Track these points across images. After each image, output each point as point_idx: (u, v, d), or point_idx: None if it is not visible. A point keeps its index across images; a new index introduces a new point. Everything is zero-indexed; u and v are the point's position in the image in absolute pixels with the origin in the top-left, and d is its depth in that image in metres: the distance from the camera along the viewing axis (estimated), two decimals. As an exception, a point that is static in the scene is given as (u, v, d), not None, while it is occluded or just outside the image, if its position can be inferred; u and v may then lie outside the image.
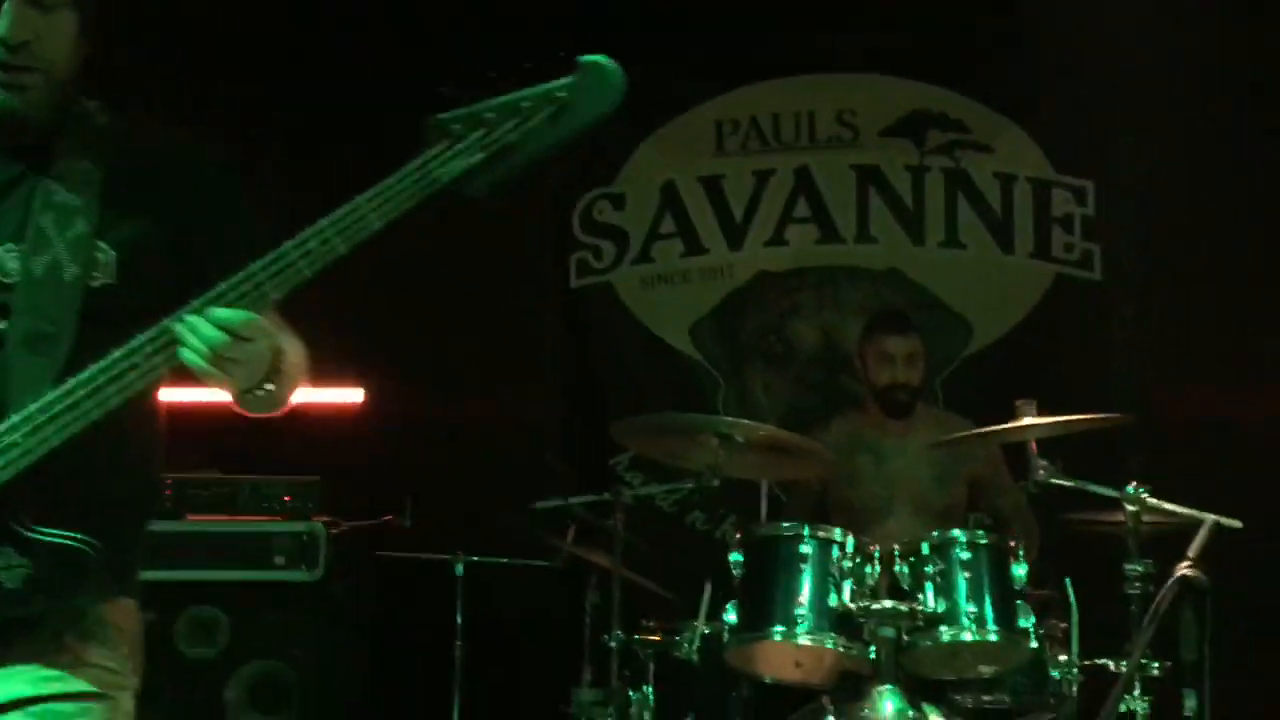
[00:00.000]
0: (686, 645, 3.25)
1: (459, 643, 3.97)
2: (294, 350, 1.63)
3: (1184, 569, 2.71)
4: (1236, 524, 2.97)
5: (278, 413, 1.65)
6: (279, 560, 3.85)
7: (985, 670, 3.09)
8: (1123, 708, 2.92)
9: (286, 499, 3.97)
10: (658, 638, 3.35)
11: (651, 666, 3.29)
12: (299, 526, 3.91)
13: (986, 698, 3.14)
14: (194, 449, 3.95)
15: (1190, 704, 2.80)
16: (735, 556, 3.13)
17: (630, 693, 3.32)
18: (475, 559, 4.02)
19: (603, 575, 3.64)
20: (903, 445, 3.83)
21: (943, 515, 3.69)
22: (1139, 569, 3.01)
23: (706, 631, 3.22)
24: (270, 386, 1.55)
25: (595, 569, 3.73)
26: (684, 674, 3.27)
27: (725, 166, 4.94)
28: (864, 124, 4.84)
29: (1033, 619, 3.02)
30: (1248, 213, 4.45)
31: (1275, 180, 4.42)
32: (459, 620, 3.98)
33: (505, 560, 4.03)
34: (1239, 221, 4.47)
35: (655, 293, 4.96)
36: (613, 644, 3.35)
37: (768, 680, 3.19)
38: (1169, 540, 2.97)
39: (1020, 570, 3.05)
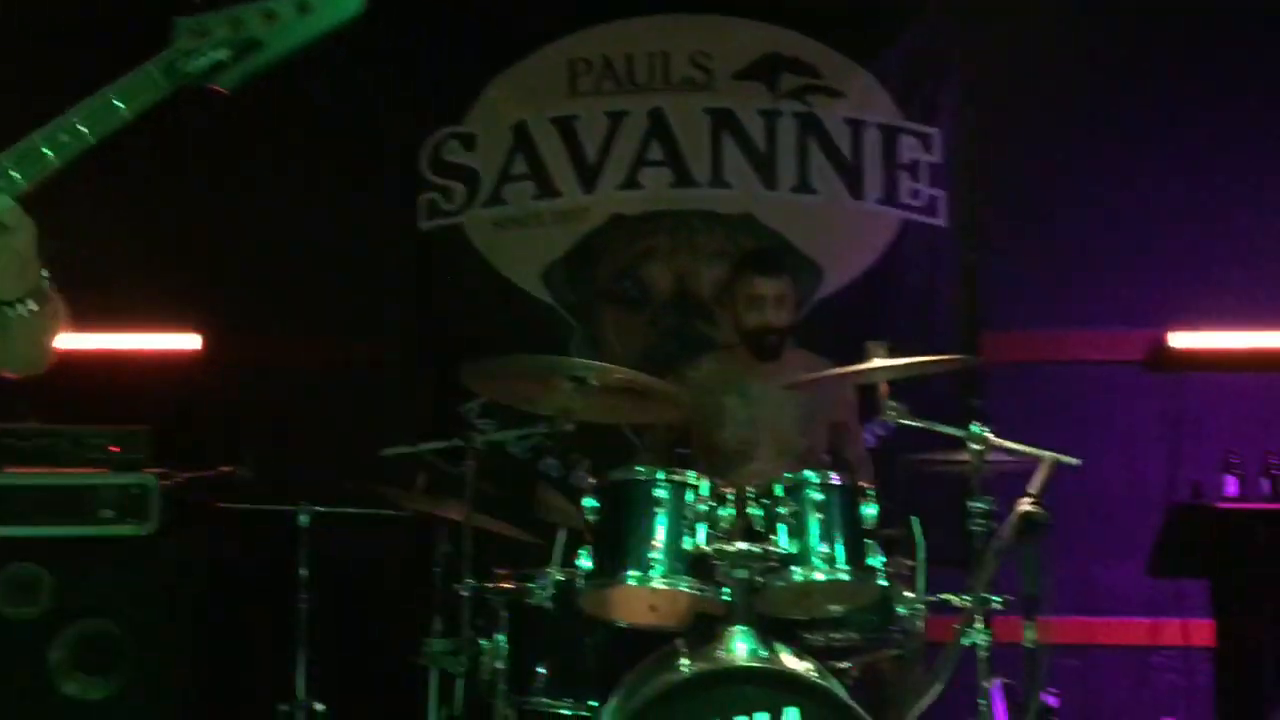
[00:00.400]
0: (540, 592, 3.20)
1: (304, 596, 3.85)
2: (56, 294, 1.54)
3: (1025, 505, 2.80)
4: (1075, 461, 3.07)
5: (38, 369, 1.56)
6: (106, 514, 3.65)
7: (835, 609, 3.13)
8: (966, 641, 2.99)
9: (113, 449, 3.76)
10: (510, 585, 3.30)
11: (504, 614, 3.24)
12: (127, 479, 3.72)
13: (835, 635, 3.19)
14: (14, 399, 3.71)
15: (1030, 635, 2.90)
16: (589, 502, 3.09)
17: (482, 641, 3.26)
18: (320, 509, 3.89)
19: (454, 524, 3.57)
20: (771, 385, 3.83)
21: (804, 458, 3.72)
22: (982, 506, 3.08)
23: (560, 578, 3.18)
24: (34, 307, 1.46)
25: (446, 518, 3.65)
26: (537, 621, 3.23)
27: (578, 107, 4.85)
28: (718, 66, 4.81)
29: (882, 558, 3.06)
30: (1087, 161, 4.59)
31: (1113, 131, 4.57)
32: (303, 573, 3.86)
33: (352, 510, 3.91)
34: (1079, 169, 4.61)
35: (507, 235, 4.86)
36: (464, 593, 3.29)
37: (622, 625, 3.17)
38: (1010, 479, 3.06)
39: (870, 510, 3.09)
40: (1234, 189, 4.47)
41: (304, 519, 3.87)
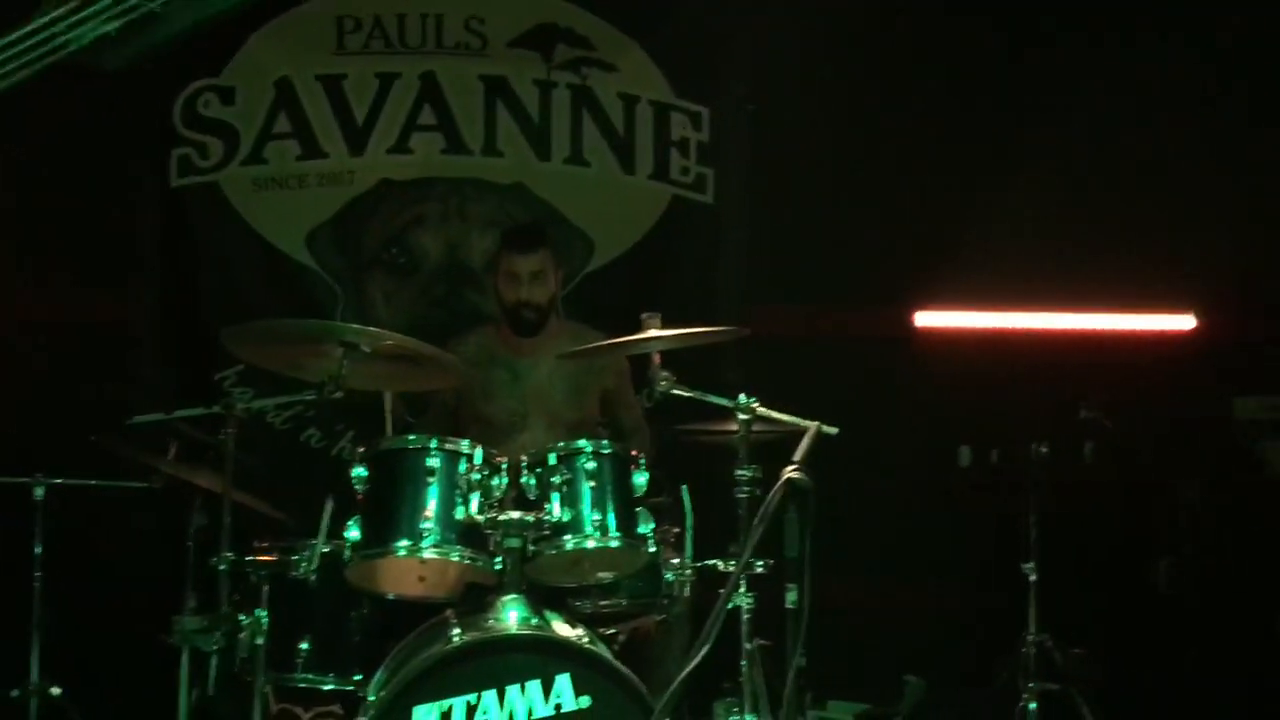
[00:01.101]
0: (304, 565, 3.09)
1: (38, 574, 3.58)
2: None
3: (789, 472, 2.89)
4: (834, 430, 3.20)
5: None
6: None
7: (606, 576, 3.17)
8: (730, 604, 3.08)
9: None
10: (272, 558, 3.17)
11: (265, 589, 3.11)
12: None
13: (604, 602, 3.23)
14: None
15: (791, 597, 3.00)
16: (359, 471, 3.00)
17: (241, 617, 3.12)
18: (59, 481, 3.62)
19: (209, 496, 3.39)
20: (537, 359, 3.83)
21: (576, 428, 3.73)
22: (748, 474, 3.18)
23: (326, 550, 3.08)
24: None
25: (200, 489, 3.46)
26: (300, 595, 3.12)
27: (347, 66, 4.69)
28: (492, 33, 4.74)
29: (651, 525, 3.11)
30: (850, 145, 4.78)
31: (874, 117, 4.78)
32: (38, 549, 3.58)
33: (94, 481, 3.66)
34: (842, 153, 4.79)
35: (268, 196, 4.65)
36: (221, 567, 3.13)
37: (390, 597, 3.11)
38: (774, 447, 3.17)
39: (641, 479, 3.14)
40: (981, 178, 4.76)
41: (39, 491, 3.60)
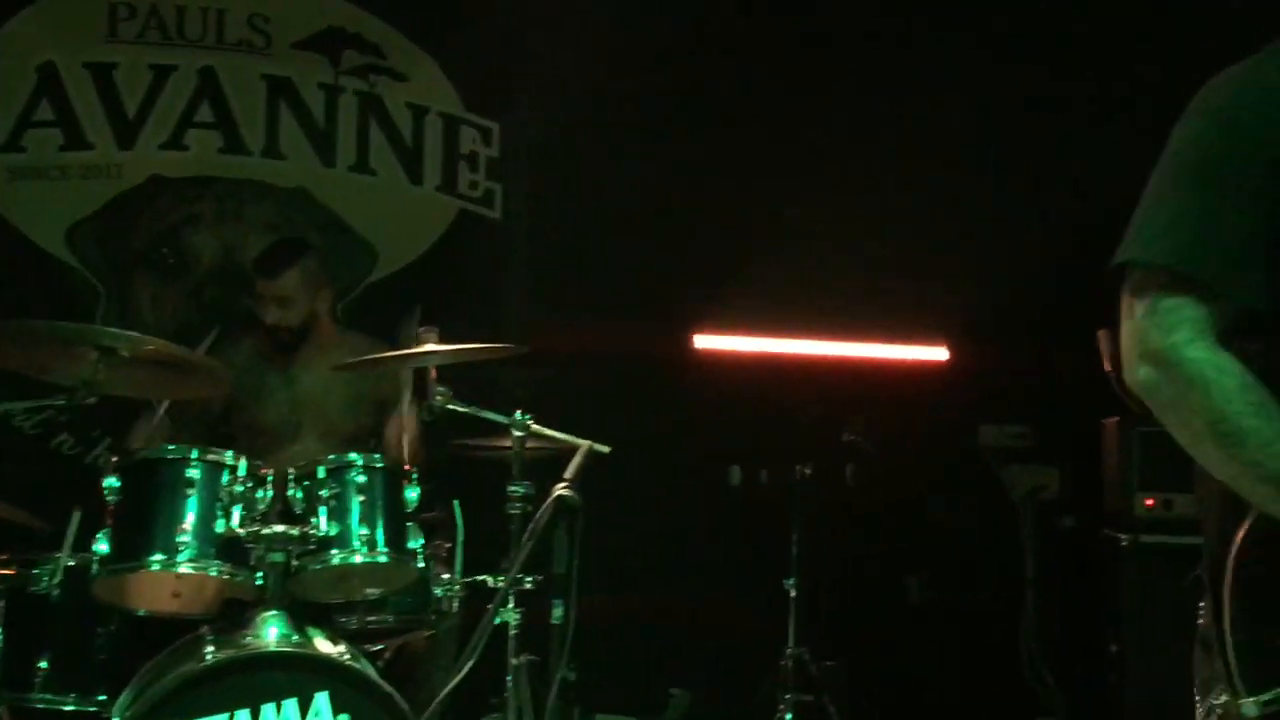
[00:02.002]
0: (46, 580, 2.93)
1: None
2: None
3: (560, 489, 2.94)
4: (606, 449, 3.26)
5: None
6: None
7: (373, 591, 3.12)
8: (498, 619, 3.09)
9: None
10: (10, 571, 2.98)
11: (2, 605, 2.92)
12: None
13: (370, 618, 3.18)
14: None
15: (557, 613, 3.04)
16: (111, 481, 2.87)
17: (-27, 634, 2.92)
18: None
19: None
20: (313, 368, 3.75)
21: (352, 439, 3.67)
22: (520, 490, 3.20)
23: (71, 564, 2.92)
24: None
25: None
26: (41, 611, 2.95)
27: (118, 55, 4.48)
28: (277, 32, 4.63)
29: (421, 540, 3.09)
30: (634, 167, 4.88)
31: (662, 139, 4.89)
32: None
33: None
34: (626, 173, 4.88)
35: (25, 187, 4.39)
36: (-48, 582, 2.92)
37: (141, 613, 2.97)
38: (550, 464, 3.20)
39: (412, 493, 3.11)
40: (759, 209, 4.93)
41: None
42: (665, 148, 4.87)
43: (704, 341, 4.86)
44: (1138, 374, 1.56)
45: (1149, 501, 4.09)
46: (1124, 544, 4.07)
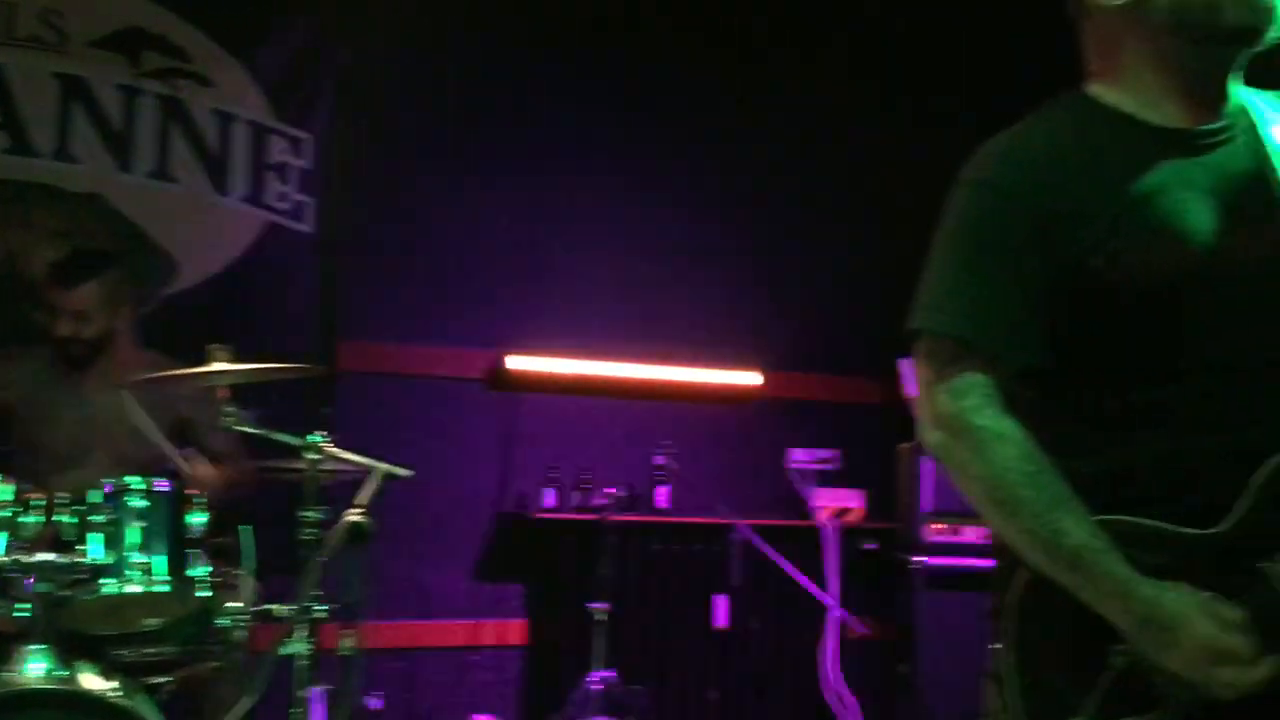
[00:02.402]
0: None
1: None
2: None
3: (352, 515, 2.86)
4: (406, 473, 3.19)
5: None
6: None
7: (152, 622, 2.97)
8: (287, 650, 2.99)
9: None
10: None
11: None
12: None
13: (149, 650, 3.03)
14: None
15: (348, 643, 2.96)
16: None
17: None
18: None
19: None
20: (109, 388, 3.54)
21: (146, 462, 3.49)
22: (314, 516, 3.10)
23: None
24: None
25: None
26: None
27: (-110, 44, 4.17)
28: (73, 29, 4.38)
29: (206, 567, 2.96)
30: (449, 185, 4.81)
31: (472, 159, 4.84)
32: None
33: None
34: (440, 191, 4.81)
35: None
36: None
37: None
38: (352, 488, 3.12)
39: (199, 518, 2.98)
40: (565, 231, 4.94)
41: None
42: (480, 165, 4.83)
43: (516, 363, 4.82)
44: (930, 439, 1.64)
45: (938, 526, 4.25)
46: (914, 567, 4.22)
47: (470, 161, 4.80)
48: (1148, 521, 1.53)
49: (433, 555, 4.61)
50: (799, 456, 5.12)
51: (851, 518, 4.98)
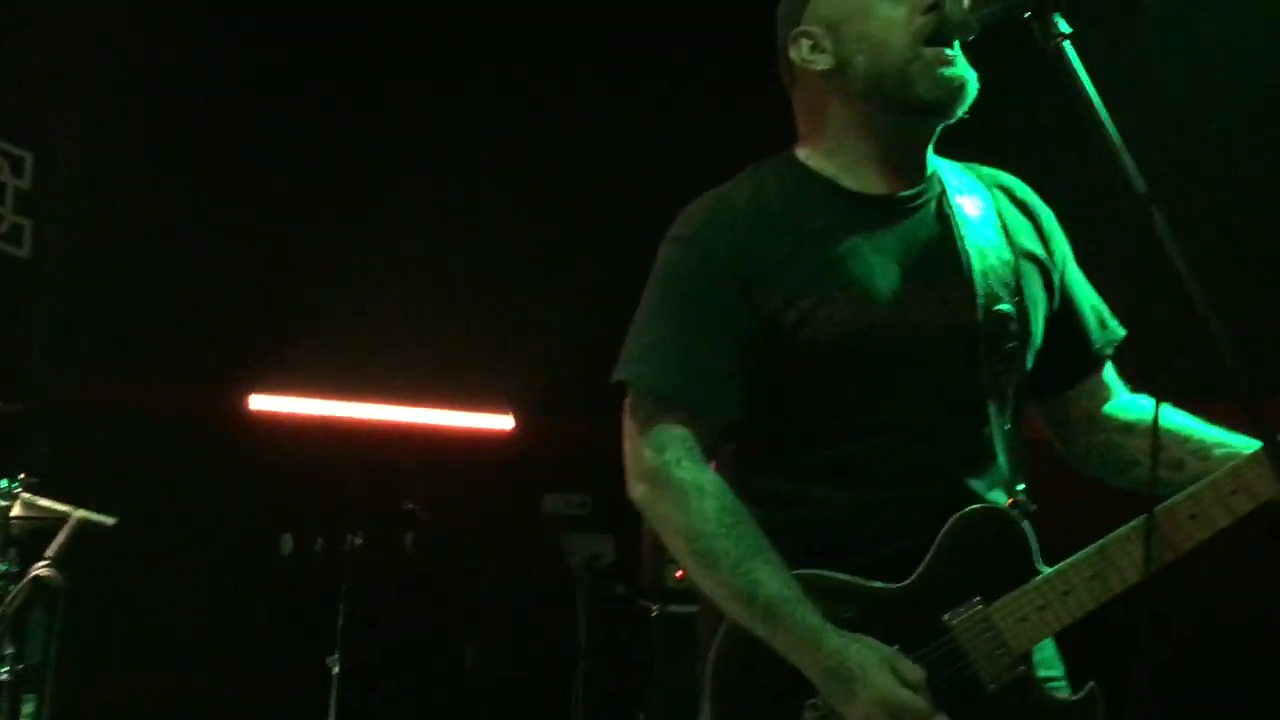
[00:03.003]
0: None
1: None
2: None
3: (39, 569, 2.64)
4: (109, 520, 2.97)
5: None
6: None
7: None
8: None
9: None
10: None
11: None
12: None
13: None
14: None
15: (28, 709, 2.72)
16: None
17: None
18: None
19: None
20: None
21: None
22: (3, 568, 2.85)
23: None
24: None
25: None
26: None
27: None
28: None
29: None
30: (185, 217, 4.57)
31: (215, 190, 4.63)
32: None
33: None
34: (176, 221, 4.57)
35: None
36: None
37: None
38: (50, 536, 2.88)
39: None
40: (324, 267, 4.77)
41: None
42: (220, 196, 4.62)
43: (260, 403, 4.61)
44: (635, 491, 1.64)
45: (679, 573, 4.27)
46: (654, 614, 4.22)
47: (213, 189, 4.59)
48: (838, 575, 1.56)
49: (164, 605, 4.32)
50: (553, 500, 5.07)
51: (603, 563, 4.96)
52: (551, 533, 5.04)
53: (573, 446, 5.20)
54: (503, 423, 5.07)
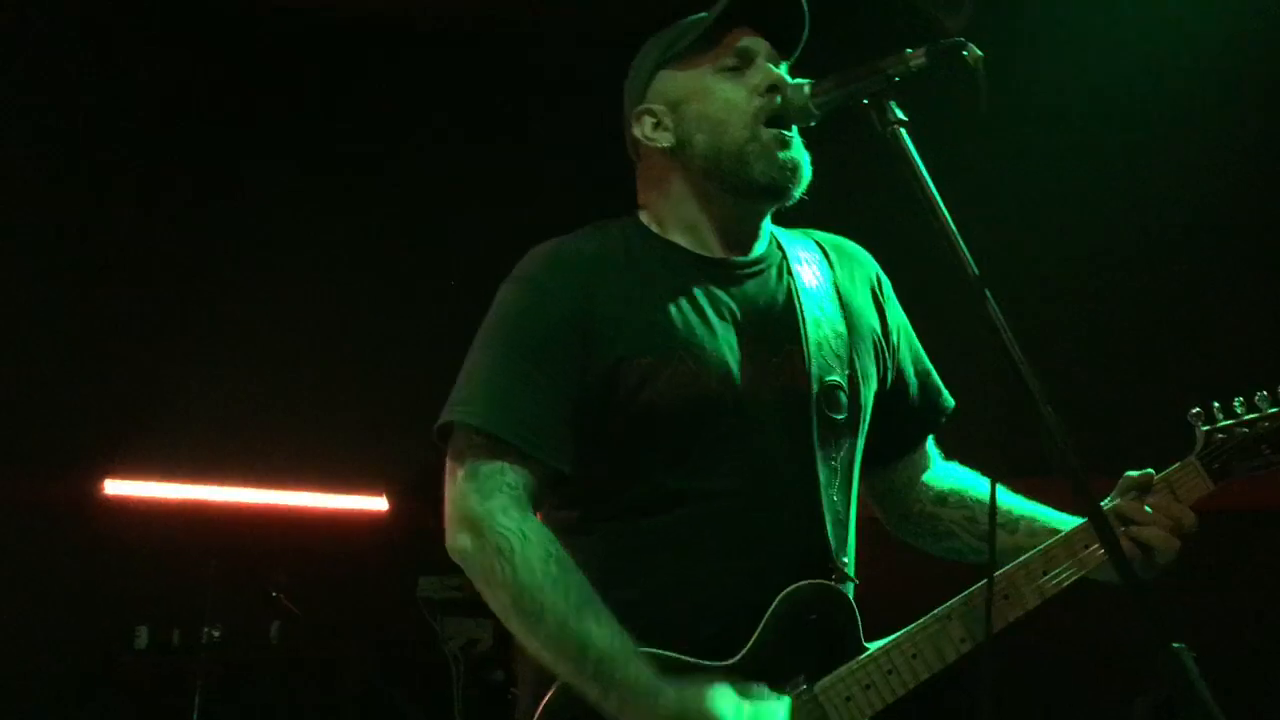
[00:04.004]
0: None
1: None
2: None
3: None
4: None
5: None
6: None
7: None
8: None
9: None
10: None
11: None
12: None
13: None
14: None
15: None
16: None
17: None
18: None
19: None
20: None
21: None
22: None
23: None
24: None
25: None
26: None
27: None
28: None
29: None
30: (48, 292, 4.41)
31: (70, 261, 4.47)
32: None
33: None
34: (36, 298, 4.40)
35: None
36: None
37: None
38: None
39: None
40: (185, 347, 4.62)
41: None
42: (71, 270, 4.47)
43: (116, 487, 4.41)
44: (456, 541, 1.54)
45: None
46: (510, 698, 4.12)
47: (63, 263, 4.43)
48: (666, 653, 1.50)
49: (6, 702, 4.06)
50: (431, 583, 4.93)
51: (481, 648, 4.83)
52: (429, 617, 4.90)
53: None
54: (375, 504, 4.94)
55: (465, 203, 5.02)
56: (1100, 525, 1.34)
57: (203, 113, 4.72)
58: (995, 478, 1.59)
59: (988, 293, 1.38)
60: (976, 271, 1.41)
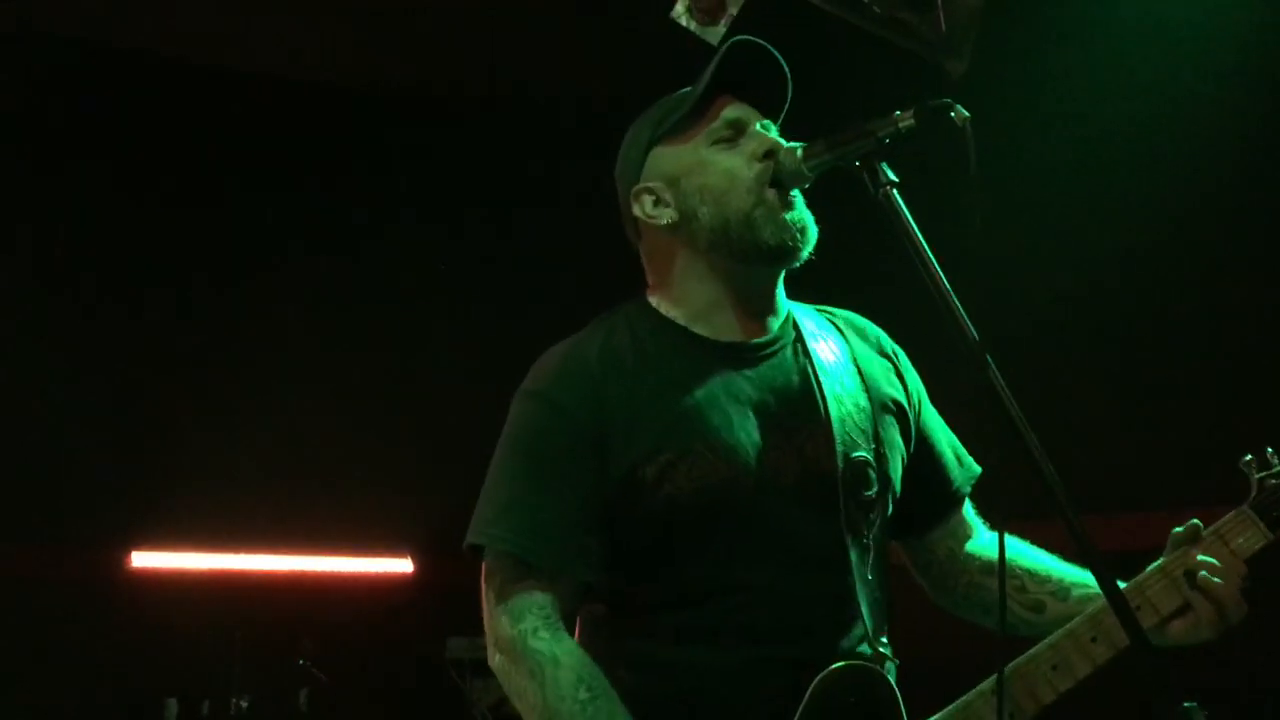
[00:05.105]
0: None
1: None
2: None
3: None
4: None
5: None
6: None
7: None
8: None
9: None
10: None
11: None
12: None
13: None
14: None
15: None
16: None
17: None
18: None
19: None
20: None
21: None
22: None
23: None
24: None
25: None
26: None
27: None
28: None
29: None
30: (68, 372, 4.44)
31: (88, 334, 4.52)
32: None
33: None
34: (60, 378, 4.44)
35: None
36: None
37: None
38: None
39: None
40: (208, 417, 4.64)
41: None
42: (89, 342, 4.51)
43: (143, 560, 4.42)
44: (493, 663, 1.60)
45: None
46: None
47: (81, 334, 4.48)
48: None
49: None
50: (460, 644, 4.90)
51: (510, 710, 4.79)
52: (458, 678, 4.87)
53: (476, 586, 5.06)
54: (401, 566, 4.92)
55: (485, 267, 5.06)
56: (1119, 606, 1.31)
57: (220, 192, 4.80)
58: (1009, 532, 1.54)
59: (988, 356, 1.37)
60: (974, 335, 1.40)
